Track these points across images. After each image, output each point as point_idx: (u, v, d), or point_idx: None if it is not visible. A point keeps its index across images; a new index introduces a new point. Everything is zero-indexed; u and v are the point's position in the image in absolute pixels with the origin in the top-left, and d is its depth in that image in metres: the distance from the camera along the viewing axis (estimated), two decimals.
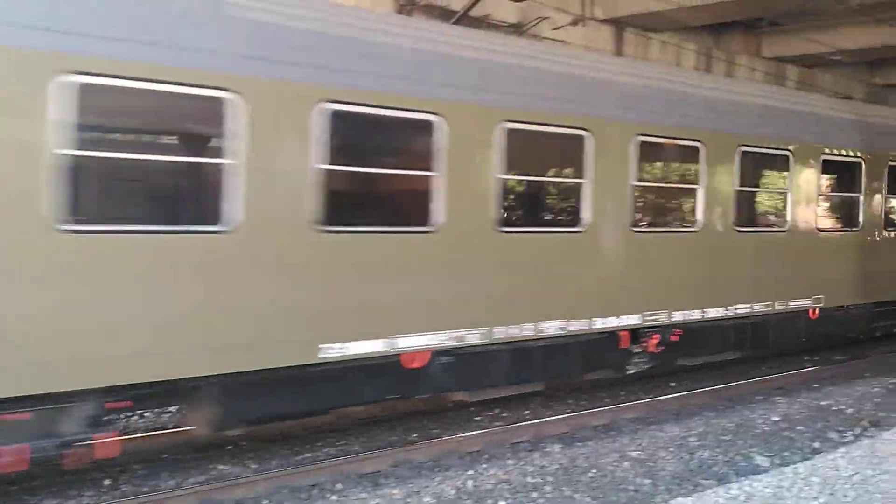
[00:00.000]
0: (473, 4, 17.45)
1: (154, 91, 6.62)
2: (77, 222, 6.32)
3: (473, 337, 8.66)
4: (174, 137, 7.24)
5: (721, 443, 9.48)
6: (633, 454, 8.96)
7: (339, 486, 7.90)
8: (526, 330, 9.08)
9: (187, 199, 7.20)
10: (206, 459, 8.44)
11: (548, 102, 9.15)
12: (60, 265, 6.26)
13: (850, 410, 10.96)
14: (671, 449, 9.20)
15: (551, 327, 9.29)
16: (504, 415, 10.34)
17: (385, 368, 8.17)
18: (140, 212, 6.92)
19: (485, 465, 8.43)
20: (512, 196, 9.10)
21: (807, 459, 8.47)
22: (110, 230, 6.55)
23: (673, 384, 12.20)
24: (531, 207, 9.78)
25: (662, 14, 20.54)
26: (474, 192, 8.58)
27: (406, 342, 8.15)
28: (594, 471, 8.43)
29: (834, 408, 11.08)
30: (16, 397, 6.18)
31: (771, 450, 9.31)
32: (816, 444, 9.55)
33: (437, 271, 8.37)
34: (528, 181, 9.50)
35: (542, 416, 10.22)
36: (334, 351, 7.68)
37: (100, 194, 6.71)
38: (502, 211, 8.87)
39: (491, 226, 8.73)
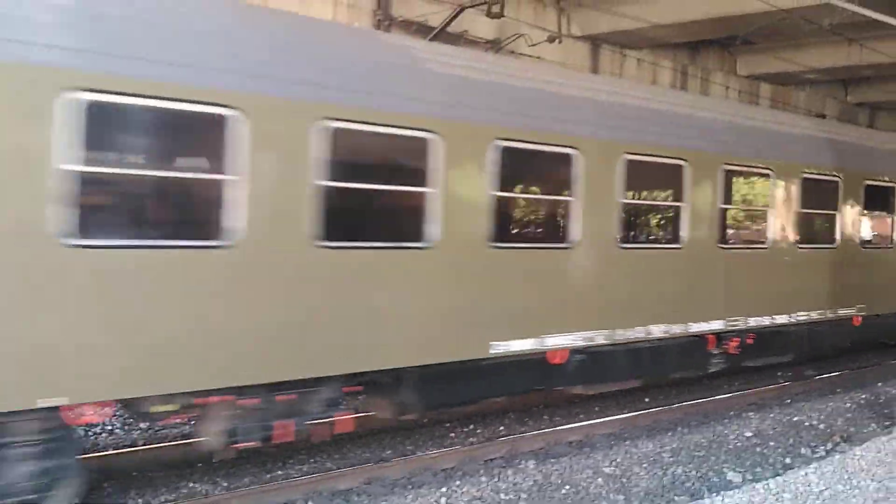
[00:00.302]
0: (451, 21, 17.55)
1: (381, 133, 8.03)
2: (326, 239, 7.58)
3: (600, 338, 9.96)
4: (395, 171, 8.68)
5: (694, 458, 9.52)
6: (607, 470, 8.97)
7: (310, 503, 7.85)
8: (638, 332, 10.38)
9: (404, 220, 8.59)
10: (177, 477, 8.36)
11: (656, 137, 10.57)
12: (315, 274, 7.56)
13: (821, 426, 11.04)
14: (645, 465, 9.22)
15: (657, 330, 10.58)
16: (478, 431, 10.33)
17: (534, 364, 9.49)
18: (372, 231, 8.30)
19: (458, 483, 8.40)
20: (629, 217, 10.43)
21: (778, 475, 8.53)
22: (353, 246, 7.90)
23: (647, 399, 12.24)
24: (643, 227, 11.19)
25: (637, 32, 20.71)
26: (602, 214, 9.93)
27: (551, 341, 9.47)
28: (567, 487, 8.43)
29: (806, 423, 11.16)
30: (284, 382, 7.51)
31: (743, 465, 9.36)
32: (788, 460, 9.61)
33: (574, 281, 9.71)
34: (641, 204, 10.93)
35: (516, 432, 10.23)
36: (500, 348, 9.02)
37: (346, 217, 7.98)
38: (622, 230, 10.17)
39: (614, 242, 10.07)
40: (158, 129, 6.88)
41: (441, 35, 17.49)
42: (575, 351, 9.80)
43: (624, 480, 8.70)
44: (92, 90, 6.30)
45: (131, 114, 6.60)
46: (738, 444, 10.19)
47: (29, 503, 6.48)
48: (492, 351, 8.95)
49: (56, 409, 6.44)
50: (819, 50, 23.53)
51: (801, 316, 12.70)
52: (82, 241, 6.29)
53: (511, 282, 9.08)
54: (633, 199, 10.39)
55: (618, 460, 9.30)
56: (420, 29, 18.27)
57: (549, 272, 9.45)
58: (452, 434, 10.19)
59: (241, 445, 7.59)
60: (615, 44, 22.52)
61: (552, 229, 9.89)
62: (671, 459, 9.43)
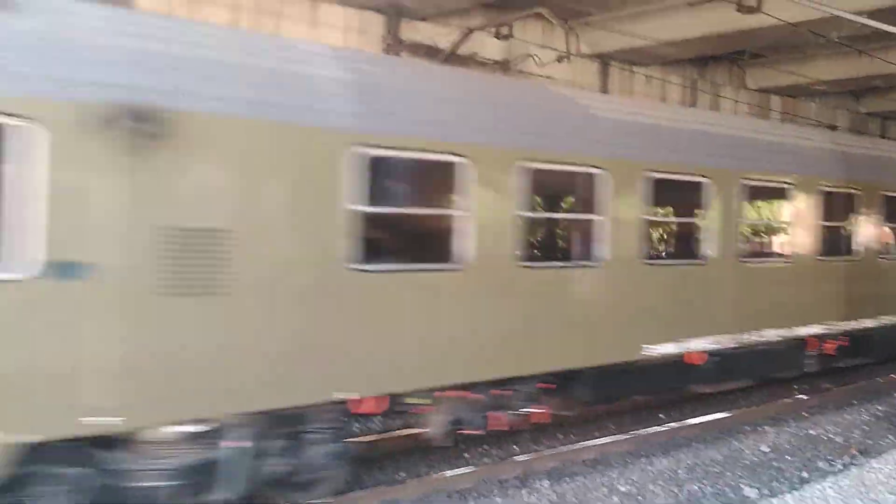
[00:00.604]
0: (460, 44, 17.71)
1: (562, 171, 9.64)
2: (526, 260, 9.29)
3: (729, 341, 11.33)
4: (574, 202, 10.41)
5: (710, 474, 9.49)
6: (623, 489, 8.96)
7: None
8: (757, 336, 11.73)
9: (581, 242, 10.08)
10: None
11: (767, 164, 12.08)
12: (518, 290, 9.06)
13: (838, 439, 10.98)
14: (660, 482, 9.20)
15: (772, 334, 11.94)
16: (492, 451, 10.33)
17: (675, 365, 10.90)
18: (556, 251, 10.35)
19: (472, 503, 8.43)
20: (748, 235, 11.96)
21: (795, 489, 8.51)
22: (544, 266, 9.96)
23: (661, 416, 12.21)
24: (757, 243, 12.97)
25: (646, 49, 20.81)
26: (727, 234, 11.37)
27: (691, 345, 10.89)
28: None
29: (822, 436, 11.10)
30: (506, 378, 9.15)
31: (759, 480, 9.33)
32: (805, 474, 9.56)
33: (707, 292, 11.16)
34: (757, 223, 12.89)
35: (530, 452, 10.22)
36: (650, 351, 10.37)
37: (538, 241, 10.03)
38: (743, 247, 11.77)
39: (737, 258, 11.52)
40: (413, 175, 8.90)
41: (450, 58, 17.67)
42: (709, 353, 11.18)
43: (640, 498, 8.69)
44: (369, 146, 7.83)
45: (394, 163, 8.39)
46: (755, 458, 10.15)
47: (315, 480, 8.01)
48: (643, 353, 10.32)
49: (344, 401, 7.87)
50: (828, 62, 23.55)
51: (886, 319, 14.02)
52: (361, 266, 7.77)
53: (658, 293, 10.53)
54: (750, 219, 11.92)
55: (633, 478, 9.28)
56: (429, 52, 18.45)
57: (688, 284, 10.96)
58: (467, 454, 10.19)
59: (465, 432, 9.33)
60: (624, 61, 22.65)
61: (689, 248, 11.65)
62: (687, 476, 9.41)
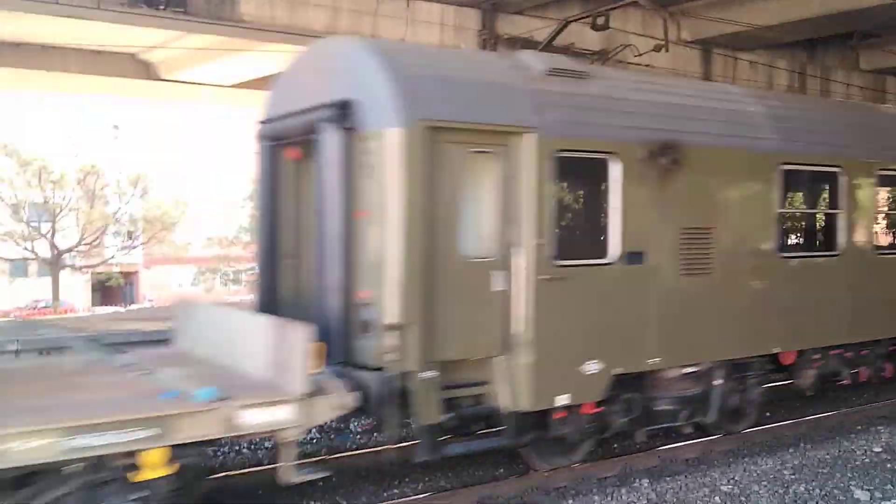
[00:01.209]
0: (556, 35, 17.58)
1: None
2: (881, 251, 12.30)
3: None
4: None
5: (818, 476, 9.19)
6: (725, 489, 8.78)
7: None
8: None
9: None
10: (298, 495, 8.63)
11: None
12: (874, 272, 11.72)
13: None
14: (765, 483, 8.97)
15: None
16: (591, 449, 10.25)
17: None
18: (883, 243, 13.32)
19: (571, 502, 8.41)
20: None
21: None
22: (889, 253, 12.62)
23: (767, 414, 11.88)
24: None
25: (751, 33, 20.19)
26: None
27: None
28: None
29: None
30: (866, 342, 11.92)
31: (872, 483, 8.97)
32: None
33: None
34: None
35: (630, 450, 10.13)
36: None
37: (887, 234, 13.39)
38: None
39: None
40: (809, 183, 12.24)
41: (547, 49, 17.55)
42: None
43: (742, 499, 8.49)
44: (787, 163, 10.62)
45: (799, 175, 11.20)
46: (866, 460, 9.78)
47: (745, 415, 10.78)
48: None
49: (775, 354, 10.76)
50: None
51: None
52: (783, 255, 10.75)
53: None
54: None
55: (736, 478, 9.07)
56: (526, 44, 18.39)
57: None
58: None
59: (840, 384, 12.02)
60: (727, 47, 22.03)
61: None
62: (793, 477, 9.14)
